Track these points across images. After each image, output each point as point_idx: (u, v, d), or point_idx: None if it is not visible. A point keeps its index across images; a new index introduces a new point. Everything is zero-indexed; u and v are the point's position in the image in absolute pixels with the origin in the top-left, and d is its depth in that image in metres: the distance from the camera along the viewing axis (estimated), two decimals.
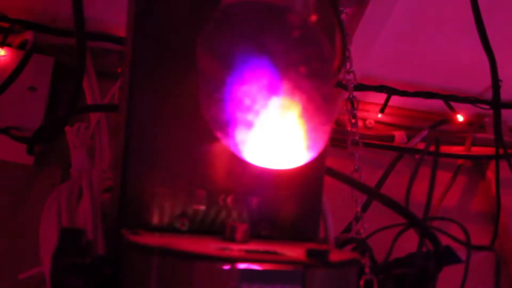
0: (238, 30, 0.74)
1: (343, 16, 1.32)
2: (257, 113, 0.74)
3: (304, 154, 0.76)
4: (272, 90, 0.74)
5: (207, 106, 0.74)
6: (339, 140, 1.57)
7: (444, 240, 0.91)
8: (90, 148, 1.18)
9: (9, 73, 1.33)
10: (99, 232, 0.86)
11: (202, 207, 0.82)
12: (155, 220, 0.80)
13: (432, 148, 0.86)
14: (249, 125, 0.74)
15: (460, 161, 1.85)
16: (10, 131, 1.35)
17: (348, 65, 1.17)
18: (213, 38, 0.74)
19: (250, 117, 0.74)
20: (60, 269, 0.68)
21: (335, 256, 0.71)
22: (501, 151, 1.54)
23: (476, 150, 1.81)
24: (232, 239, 0.77)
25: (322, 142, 0.77)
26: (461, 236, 1.03)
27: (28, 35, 1.38)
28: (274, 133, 0.75)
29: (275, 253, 0.72)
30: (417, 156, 1.78)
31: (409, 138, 1.78)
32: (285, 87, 0.74)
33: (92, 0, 1.34)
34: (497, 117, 1.31)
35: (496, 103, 1.29)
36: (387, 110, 1.79)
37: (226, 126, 0.74)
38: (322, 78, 0.76)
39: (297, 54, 0.74)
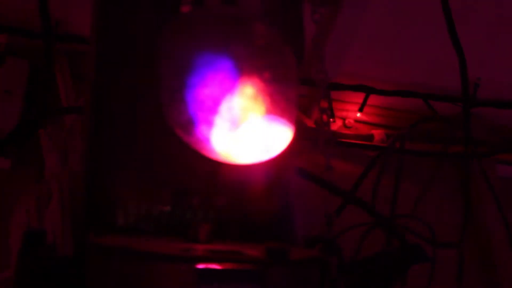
0: (200, 38, 0.75)
1: (316, 16, 1.32)
2: (218, 113, 0.75)
3: (265, 153, 0.77)
4: (235, 93, 0.75)
5: (169, 107, 0.75)
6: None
7: (412, 239, 0.91)
8: (64, 151, 1.18)
9: None
10: (67, 233, 0.86)
11: (168, 208, 0.82)
12: (120, 221, 0.80)
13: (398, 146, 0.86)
14: (210, 124, 0.75)
15: (438, 161, 1.85)
16: None
17: (319, 65, 1.17)
18: (174, 44, 0.74)
19: (211, 117, 0.74)
20: (24, 270, 0.68)
21: (296, 254, 0.71)
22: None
23: (457, 149, 1.81)
24: (196, 240, 0.77)
25: (283, 141, 0.77)
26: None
27: (2, 38, 1.37)
28: (236, 132, 0.75)
29: (237, 252, 0.72)
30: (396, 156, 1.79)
31: (389, 137, 1.78)
32: (250, 90, 0.75)
33: (66, 3, 1.34)
34: (466, 115, 1.32)
35: (466, 101, 1.30)
36: (366, 109, 1.79)
37: (187, 125, 0.74)
38: (286, 83, 0.76)
39: (261, 60, 0.75)
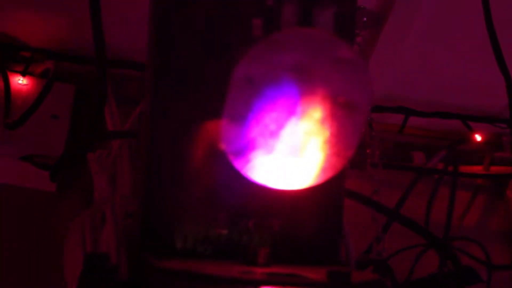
0: (283, 58, 0.74)
1: (359, 39, 1.33)
2: (279, 138, 0.75)
3: (320, 177, 0.77)
4: (302, 116, 0.75)
5: (229, 128, 0.75)
6: (357, 161, 1.58)
7: (465, 260, 0.91)
8: (112, 174, 1.19)
9: (31, 102, 1.34)
10: (123, 256, 0.87)
11: (224, 231, 0.83)
12: (178, 244, 0.81)
13: (450, 168, 0.86)
14: (270, 149, 0.75)
15: (479, 181, 1.85)
16: (33, 159, 1.37)
17: None
18: (255, 64, 0.74)
19: (273, 142, 0.75)
20: None
21: (357, 277, 0.71)
22: None
23: (495, 169, 1.80)
24: (254, 263, 0.77)
25: (340, 166, 0.77)
26: (482, 256, 1.03)
27: (49, 64, 1.40)
28: (297, 158, 0.75)
29: (297, 276, 0.72)
30: (436, 176, 1.78)
31: (428, 158, 1.78)
32: (318, 114, 0.75)
33: (112, 27, 1.36)
34: None
35: None
36: (405, 131, 1.79)
37: (245, 150, 0.75)
38: (358, 108, 0.76)
39: (340, 85, 0.75)
